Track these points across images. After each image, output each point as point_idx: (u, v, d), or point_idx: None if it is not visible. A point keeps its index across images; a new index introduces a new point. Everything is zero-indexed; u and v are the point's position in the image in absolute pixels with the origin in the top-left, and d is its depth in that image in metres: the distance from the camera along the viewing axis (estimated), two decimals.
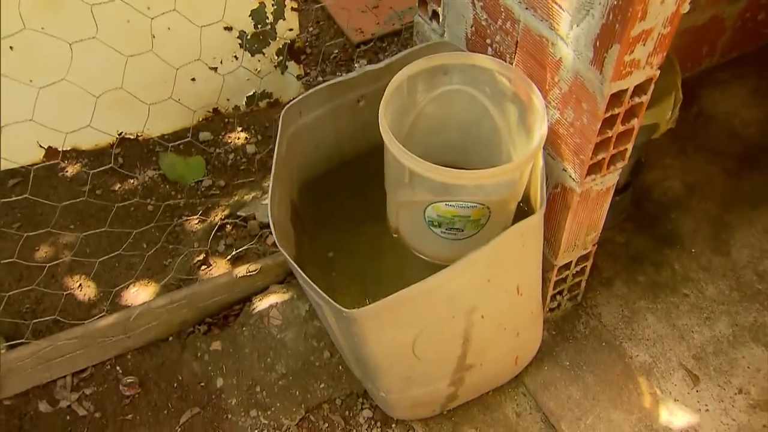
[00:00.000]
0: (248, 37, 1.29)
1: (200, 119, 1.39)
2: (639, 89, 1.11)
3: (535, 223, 1.12)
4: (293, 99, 1.24)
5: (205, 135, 2.09)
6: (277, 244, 1.10)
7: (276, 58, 1.34)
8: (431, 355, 1.22)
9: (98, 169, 1.66)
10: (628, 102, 1.11)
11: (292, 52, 1.35)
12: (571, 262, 1.45)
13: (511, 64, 1.26)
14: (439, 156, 1.40)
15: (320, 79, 2.24)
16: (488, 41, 1.30)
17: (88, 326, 1.50)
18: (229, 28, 1.25)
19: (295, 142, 1.30)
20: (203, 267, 1.79)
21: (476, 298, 1.16)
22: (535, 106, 1.15)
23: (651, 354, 1.53)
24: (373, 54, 2.27)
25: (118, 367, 1.59)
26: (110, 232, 1.86)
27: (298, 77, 1.40)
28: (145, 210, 1.92)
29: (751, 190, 1.82)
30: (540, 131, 1.11)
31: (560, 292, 1.54)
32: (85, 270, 1.78)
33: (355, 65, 2.25)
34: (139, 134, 1.33)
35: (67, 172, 2.00)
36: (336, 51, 2.31)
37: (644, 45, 1.01)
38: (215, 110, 1.39)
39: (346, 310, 1.03)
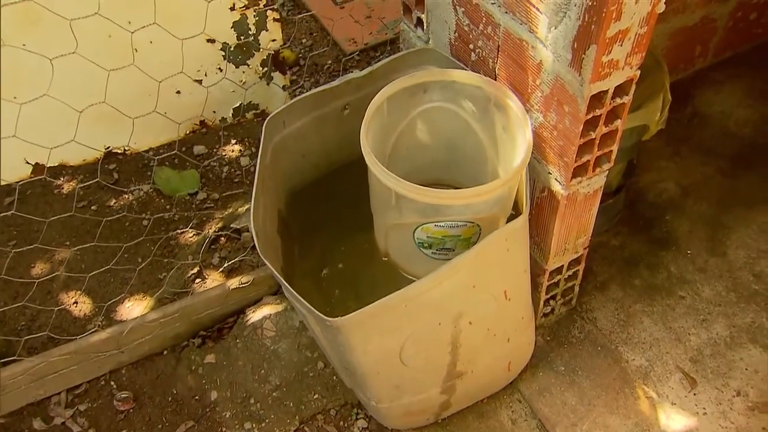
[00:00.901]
0: (231, 48, 1.29)
1: (187, 132, 1.40)
2: (620, 90, 1.10)
3: (519, 227, 1.11)
4: (268, 114, 1.24)
5: (199, 148, 2.10)
6: (260, 253, 1.10)
7: (261, 69, 1.34)
8: (420, 362, 1.21)
9: (85, 183, 1.66)
10: (609, 103, 1.11)
11: (276, 62, 1.35)
12: (563, 266, 1.44)
13: (494, 68, 1.26)
14: (424, 174, 1.41)
15: (313, 90, 2.24)
16: (471, 46, 1.30)
17: (81, 342, 1.50)
18: (211, 41, 1.25)
19: (280, 152, 1.30)
20: (197, 280, 1.79)
21: (462, 304, 1.15)
22: (517, 118, 1.15)
23: (647, 357, 1.51)
24: (365, 63, 2.27)
25: (112, 382, 1.59)
26: (105, 247, 1.87)
27: (284, 87, 1.41)
28: (140, 224, 1.93)
29: (746, 190, 1.81)
30: (525, 145, 1.11)
31: (553, 297, 1.53)
32: (80, 285, 1.78)
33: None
34: (126, 148, 1.33)
35: (62, 188, 2.01)
36: (329, 62, 2.31)
37: (621, 45, 1.01)
38: (202, 122, 1.39)
39: (330, 318, 1.03)
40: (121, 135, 1.27)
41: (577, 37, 1.02)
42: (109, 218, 1.70)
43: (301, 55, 2.34)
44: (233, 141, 2.13)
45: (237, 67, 1.33)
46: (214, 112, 1.37)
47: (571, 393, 1.47)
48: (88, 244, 1.69)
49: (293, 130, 1.31)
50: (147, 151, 1.88)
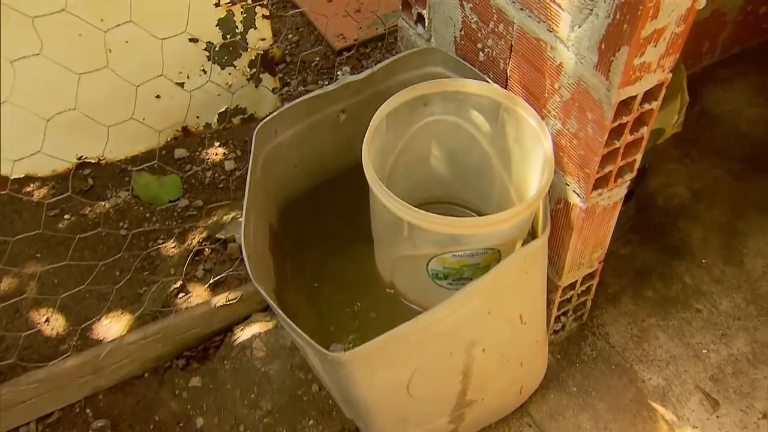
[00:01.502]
0: (216, 48, 1.17)
1: (168, 139, 1.27)
2: (649, 95, 1.00)
3: (538, 247, 1.01)
4: (267, 115, 1.12)
5: (180, 152, 1.97)
6: (253, 280, 0.98)
7: (248, 70, 1.22)
8: (428, 393, 1.11)
9: (56, 195, 1.53)
10: (638, 109, 1.01)
11: (266, 63, 1.24)
12: (576, 281, 1.34)
13: (506, 70, 1.15)
14: (424, 191, 1.31)
15: (301, 89, 2.12)
16: (479, 45, 1.19)
17: (52, 368, 1.38)
18: (194, 40, 1.13)
19: (271, 163, 1.19)
20: (180, 295, 1.67)
21: (476, 332, 1.05)
22: (532, 130, 1.05)
23: (664, 376, 1.42)
24: (356, 61, 2.15)
25: (88, 410, 1.47)
26: (79, 261, 1.74)
27: (274, 90, 1.29)
28: (117, 235, 1.80)
29: (760, 194, 1.72)
30: (543, 159, 1.01)
31: (564, 313, 1.43)
32: (52, 302, 1.65)
33: (338, 73, 2.13)
34: (101, 158, 1.21)
35: (32, 196, 1.87)
36: (317, 59, 2.19)
37: (656, 46, 0.90)
38: (184, 129, 1.27)
39: (332, 353, 0.92)
40: (94, 143, 1.14)
41: (606, 37, 0.91)
42: (83, 235, 1.57)
43: (287, 52, 2.21)
44: (217, 144, 2.01)
45: (222, 68, 1.21)
46: (198, 117, 1.25)
47: (585, 417, 1.37)
48: (60, 264, 1.56)
49: (286, 139, 1.19)
50: (123, 161, 1.75)
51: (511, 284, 1.03)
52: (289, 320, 0.95)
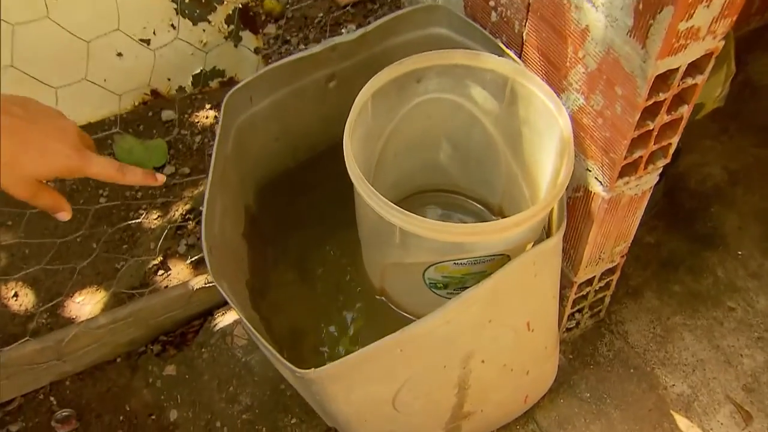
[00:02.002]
0: (185, 1, 1.01)
1: (136, 103, 1.12)
2: (693, 67, 0.83)
3: (550, 247, 0.85)
4: (241, 81, 0.96)
5: (168, 114, 1.82)
6: (212, 276, 0.84)
7: (225, 27, 1.06)
8: (417, 408, 0.96)
9: None
10: (678, 84, 0.83)
11: (245, 19, 1.07)
12: (594, 277, 1.18)
13: (521, 33, 0.97)
14: (416, 179, 1.14)
15: (302, 47, 1.95)
16: (492, 3, 1.01)
17: (10, 353, 1.25)
18: None
19: (246, 135, 1.03)
20: (160, 272, 1.54)
21: (474, 342, 0.90)
22: (545, 109, 0.88)
23: (690, 384, 1.26)
24: (362, 18, 1.97)
25: (52, 398, 1.35)
26: (54, 231, 1.61)
27: (256, 51, 1.13)
28: (95, 203, 1.66)
29: None
30: (559, 145, 0.85)
31: (579, 310, 1.28)
32: (22, 276, 1.53)
33: (342, 31, 1.95)
34: None
35: None
36: (320, 14, 2.01)
37: (708, 6, 0.72)
38: (154, 92, 1.12)
39: (300, 370, 0.77)
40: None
41: None
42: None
43: (288, 5, 2.03)
44: (207, 106, 1.85)
45: (195, 24, 1.05)
46: (169, 79, 1.09)
47: (597, 426, 1.23)
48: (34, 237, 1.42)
49: (264, 108, 1.03)
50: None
51: (516, 289, 0.87)
52: (250, 325, 0.80)
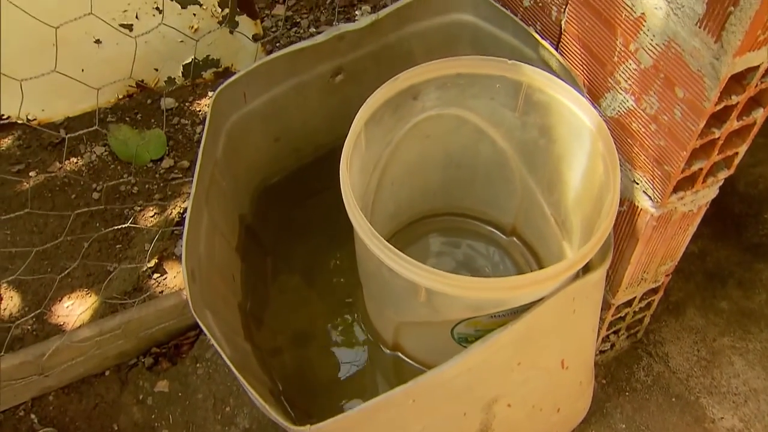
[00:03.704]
0: None
1: (120, 96, 0.99)
2: None
3: (594, 282, 0.71)
4: (233, 74, 0.83)
5: (169, 101, 1.69)
6: (191, 309, 0.71)
7: (219, 11, 0.93)
8: None
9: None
10: (756, 86, 0.68)
11: (242, 2, 0.93)
12: (635, 298, 1.04)
13: (559, 20, 0.83)
14: (416, 206, 1.02)
15: (312, 30, 1.80)
16: None
17: None
18: None
19: (239, 137, 0.90)
20: (155, 275, 1.42)
21: (500, 387, 0.77)
22: (572, 116, 0.74)
23: (742, 416, 1.12)
24: None
25: (33, 415, 1.24)
26: (43, 228, 1.49)
27: (255, 38, 0.99)
28: (89, 197, 1.54)
29: None
30: (593, 161, 0.71)
31: (616, 331, 1.14)
32: (7, 274, 1.42)
33: (356, 12, 1.80)
34: (28, 118, 0.94)
35: None
36: None
37: None
38: (139, 84, 0.99)
39: (294, 428, 0.65)
40: (15, 100, 0.87)
41: None
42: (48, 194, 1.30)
43: None
44: (210, 93, 1.72)
45: (184, 7, 0.91)
46: (156, 69, 0.96)
47: None
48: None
49: (260, 105, 0.90)
50: (62, 122, 1.47)
51: (551, 328, 0.74)
52: (238, 374, 0.68)
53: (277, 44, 1.77)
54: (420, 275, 0.64)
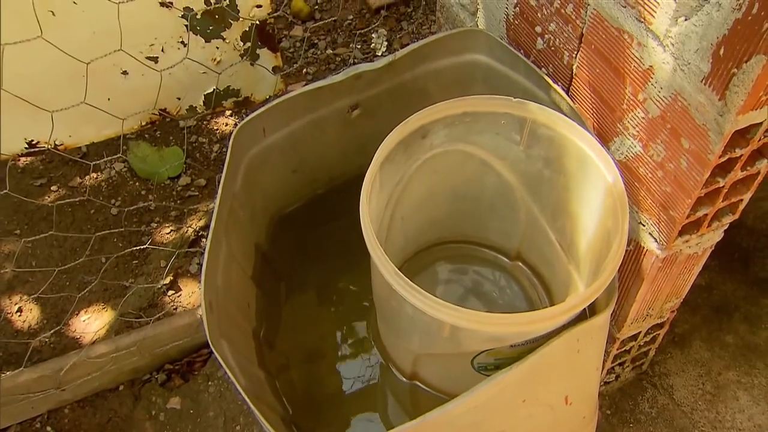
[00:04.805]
0: (198, 16, 0.91)
1: (143, 123, 1.03)
2: None
3: (599, 325, 0.73)
4: (253, 111, 0.86)
5: (186, 120, 1.73)
6: (209, 338, 0.74)
7: (241, 44, 0.96)
8: None
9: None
10: (759, 140, 0.71)
11: (263, 36, 0.97)
12: (640, 332, 1.06)
13: (570, 65, 0.85)
14: (422, 237, 1.04)
15: (329, 51, 1.84)
16: (538, 29, 0.89)
17: (4, 382, 1.17)
18: (167, 4, 0.87)
19: (257, 169, 0.93)
20: (170, 292, 1.45)
21: (505, 423, 0.79)
22: (578, 150, 0.76)
23: None
24: (395, 22, 1.85)
25: (49, 427, 1.27)
26: (62, 243, 1.53)
27: (275, 70, 1.02)
28: (107, 213, 1.58)
29: None
30: (604, 195, 0.73)
31: (621, 363, 1.16)
32: (27, 288, 1.45)
33: (373, 36, 1.84)
34: (56, 144, 0.98)
35: (19, 161, 1.66)
36: (350, 17, 1.89)
37: None
38: (162, 113, 1.02)
39: None
40: (47, 126, 0.91)
41: (729, 38, 0.61)
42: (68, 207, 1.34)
43: (316, 8, 1.92)
44: (228, 113, 1.76)
45: (207, 41, 0.95)
46: (179, 99, 1.00)
47: None
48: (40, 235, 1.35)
49: (278, 140, 0.93)
50: (88, 146, 1.52)
51: (556, 367, 0.76)
52: (253, 406, 0.70)
53: (295, 65, 1.81)
54: (446, 314, 0.66)
